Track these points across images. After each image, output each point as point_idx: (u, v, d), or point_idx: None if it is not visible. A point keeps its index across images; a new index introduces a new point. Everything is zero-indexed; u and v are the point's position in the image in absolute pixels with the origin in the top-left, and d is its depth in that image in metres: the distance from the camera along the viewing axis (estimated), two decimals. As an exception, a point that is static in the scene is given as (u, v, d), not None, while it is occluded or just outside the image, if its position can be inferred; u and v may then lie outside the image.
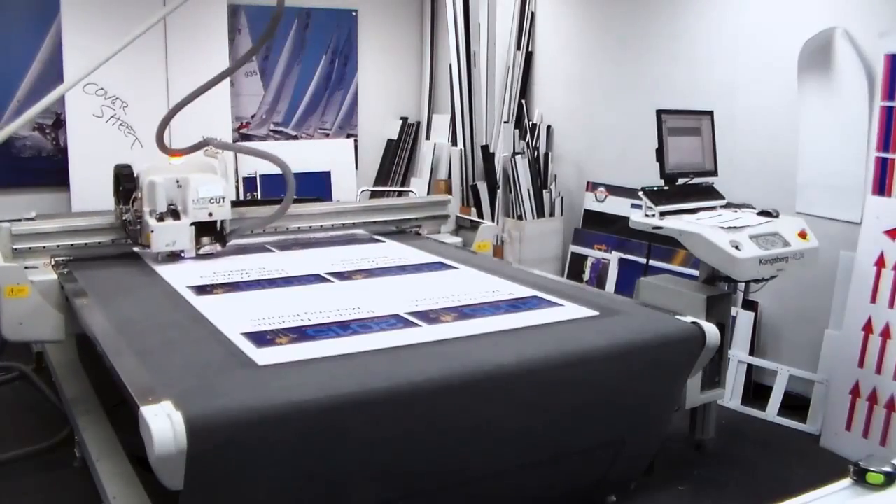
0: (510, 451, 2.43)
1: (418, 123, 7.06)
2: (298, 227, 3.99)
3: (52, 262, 3.30)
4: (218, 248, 3.49)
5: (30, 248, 3.30)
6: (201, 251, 3.46)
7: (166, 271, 3.21)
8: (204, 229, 3.45)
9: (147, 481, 2.47)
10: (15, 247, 3.26)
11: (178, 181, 3.42)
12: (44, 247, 3.34)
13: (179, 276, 3.12)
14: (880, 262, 3.61)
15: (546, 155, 5.65)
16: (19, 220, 4.51)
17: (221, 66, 6.05)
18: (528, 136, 5.73)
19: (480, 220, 4.21)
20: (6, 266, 3.04)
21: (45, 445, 3.47)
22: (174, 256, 3.40)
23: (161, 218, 3.36)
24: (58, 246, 3.37)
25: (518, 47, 5.93)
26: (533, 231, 5.37)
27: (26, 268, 3.13)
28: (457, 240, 4.10)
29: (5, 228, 3.25)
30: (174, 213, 3.40)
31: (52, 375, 3.65)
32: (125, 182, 3.46)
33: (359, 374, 2.11)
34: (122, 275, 3.20)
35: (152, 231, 3.31)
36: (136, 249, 3.49)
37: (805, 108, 4.06)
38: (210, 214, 3.44)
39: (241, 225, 3.64)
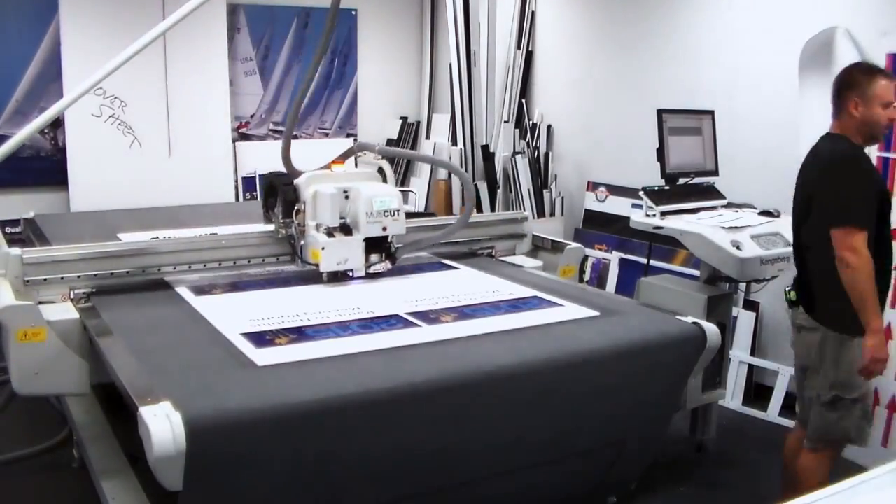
0: (510, 451, 2.43)
1: (418, 123, 7.06)
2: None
3: (71, 296, 2.82)
4: (388, 266, 3.11)
5: (45, 280, 2.79)
6: (371, 269, 3.10)
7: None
8: (373, 245, 3.06)
9: (146, 482, 2.48)
10: (28, 278, 2.75)
11: (346, 192, 3.03)
12: (62, 277, 2.81)
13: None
14: (882, 263, 3.60)
15: (546, 154, 5.65)
16: (17, 220, 4.52)
17: (220, 66, 6.09)
18: (529, 135, 5.73)
19: (563, 241, 3.65)
20: (18, 305, 2.49)
21: (45, 446, 3.47)
22: (341, 276, 3.04)
23: (331, 233, 2.98)
24: (78, 276, 2.84)
25: (518, 46, 5.94)
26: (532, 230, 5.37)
27: (40, 303, 2.68)
28: (536, 263, 3.57)
29: (16, 256, 2.74)
30: (344, 228, 3.01)
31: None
32: (286, 192, 3.09)
33: (358, 374, 2.11)
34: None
35: (323, 248, 2.93)
36: (296, 266, 3.15)
37: (806, 107, 4.06)
38: (384, 229, 3.04)
39: (413, 241, 3.22)
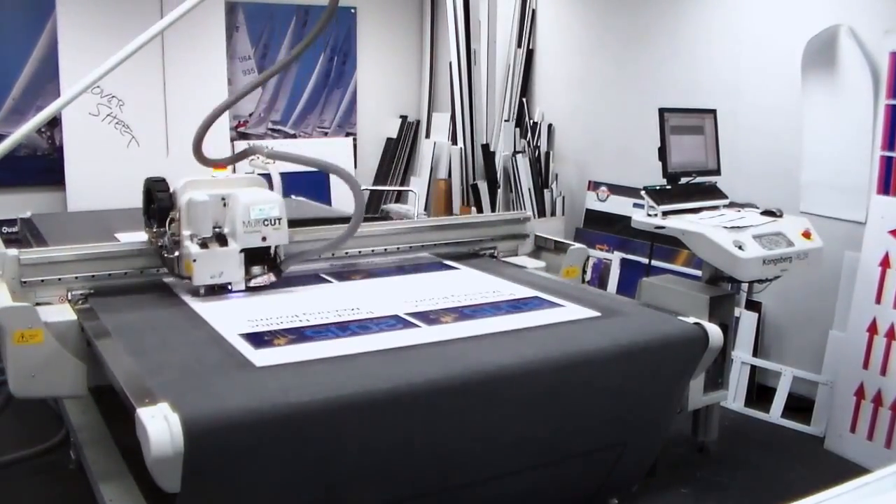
0: (511, 453, 2.43)
1: (418, 122, 7.06)
2: (359, 251, 3.38)
3: (69, 297, 2.79)
4: (272, 278, 2.93)
5: (42, 281, 2.76)
6: (252, 283, 2.89)
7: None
8: (255, 257, 2.88)
9: (143, 483, 2.47)
10: (25, 279, 2.73)
11: (223, 199, 2.86)
12: (59, 278, 2.78)
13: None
14: (885, 263, 3.61)
15: (547, 154, 5.65)
16: (14, 219, 4.52)
17: (219, 64, 6.09)
18: (529, 134, 5.73)
19: (566, 242, 3.60)
20: (15, 307, 2.46)
21: (42, 448, 3.46)
22: (219, 290, 2.85)
23: (204, 244, 2.80)
24: (76, 277, 2.81)
25: (519, 45, 5.94)
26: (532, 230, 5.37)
27: (37, 304, 2.64)
28: (539, 263, 3.52)
29: (12, 257, 2.71)
30: (220, 238, 2.83)
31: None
32: (159, 200, 2.88)
33: (358, 375, 2.11)
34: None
35: (194, 260, 2.75)
36: (168, 280, 2.97)
37: (809, 106, 4.06)
38: (264, 239, 2.85)
39: (299, 251, 3.04)
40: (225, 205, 2.86)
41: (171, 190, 2.89)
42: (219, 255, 2.79)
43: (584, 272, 5.22)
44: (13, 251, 2.73)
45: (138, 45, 2.86)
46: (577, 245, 3.54)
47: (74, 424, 3.08)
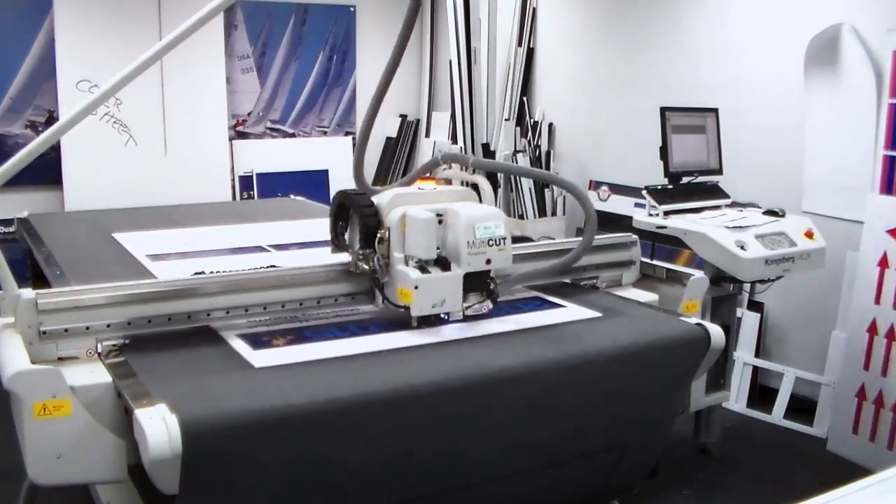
0: (511, 455, 2.43)
1: (418, 121, 7.06)
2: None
3: (99, 350, 2.22)
4: (489, 306, 2.55)
5: (66, 330, 2.18)
6: (469, 311, 2.52)
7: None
8: (472, 282, 2.49)
9: (141, 485, 2.47)
10: (45, 328, 2.15)
11: (438, 215, 2.46)
12: (87, 326, 2.21)
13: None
14: (883, 263, 3.61)
15: (548, 153, 5.65)
16: (10, 219, 4.52)
17: (218, 63, 6.09)
18: (530, 133, 5.73)
19: (682, 270, 3.14)
20: (35, 371, 1.93)
21: None
22: (434, 320, 2.49)
23: (424, 268, 2.41)
24: (108, 325, 2.24)
25: (519, 44, 5.94)
26: (535, 231, 5.37)
27: (59, 359, 2.15)
28: (652, 297, 3.02)
29: (28, 300, 2.14)
30: (440, 262, 2.45)
31: None
32: (366, 216, 2.47)
33: (357, 376, 2.11)
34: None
35: (416, 287, 2.37)
36: (375, 306, 2.58)
37: (812, 105, 4.06)
38: (488, 262, 2.48)
39: (517, 274, 2.68)
40: (440, 222, 2.47)
41: (374, 204, 2.51)
42: (441, 280, 2.42)
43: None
44: (29, 293, 2.16)
45: (144, 59, 2.64)
46: (698, 275, 3.03)
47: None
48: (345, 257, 2.58)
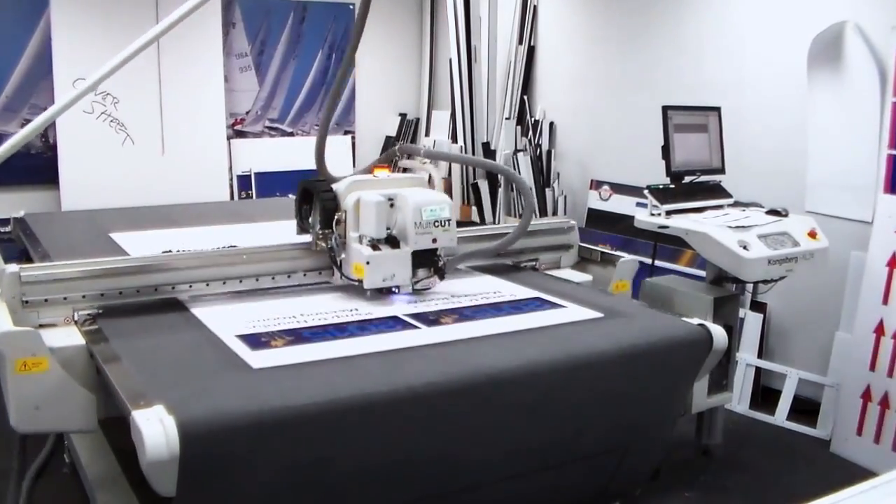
0: (512, 457, 2.43)
1: (417, 120, 7.06)
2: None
3: (75, 318, 2.55)
4: (436, 281, 2.92)
5: (46, 300, 2.52)
6: (418, 285, 2.88)
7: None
8: (420, 259, 2.84)
9: (139, 488, 2.47)
10: (27, 298, 2.49)
11: (390, 199, 2.82)
12: (65, 297, 2.55)
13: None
14: (892, 263, 3.61)
15: (549, 152, 5.65)
16: (7, 219, 4.51)
17: (215, 61, 6.10)
18: (531, 132, 5.73)
19: (615, 253, 3.46)
20: (17, 332, 2.24)
21: (39, 462, 3.42)
22: (385, 292, 2.84)
23: (376, 246, 2.77)
24: (83, 296, 2.58)
25: (520, 42, 5.94)
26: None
27: (41, 326, 2.44)
28: (586, 277, 3.36)
29: (13, 273, 2.48)
30: (390, 240, 2.81)
31: None
32: (324, 200, 2.86)
33: (356, 377, 2.11)
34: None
35: (367, 262, 2.72)
36: (337, 281, 2.92)
37: (815, 104, 4.06)
38: (434, 241, 2.82)
39: (464, 253, 3.06)
40: (392, 205, 2.82)
41: (333, 190, 2.89)
42: (391, 257, 2.77)
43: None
44: (13, 267, 2.52)
45: (140, 45, 2.78)
46: (628, 257, 3.37)
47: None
48: (307, 238, 2.96)
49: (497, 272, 3.24)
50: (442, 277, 2.92)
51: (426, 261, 2.86)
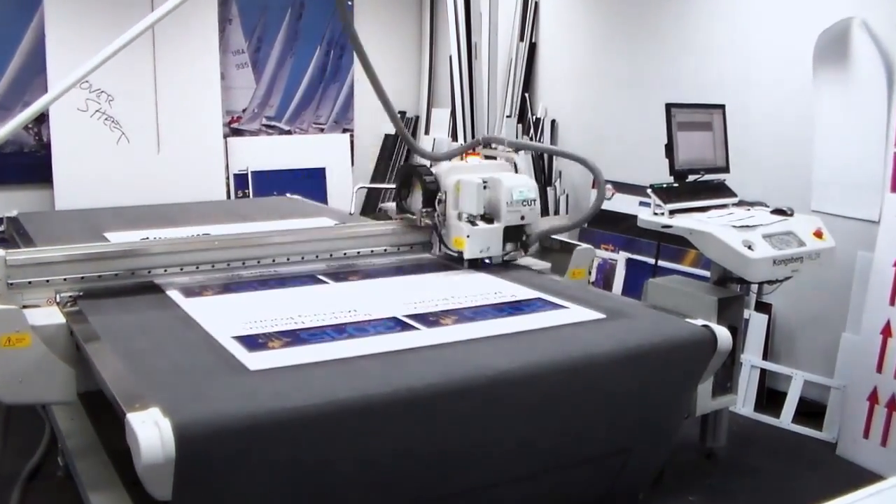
0: (513, 459, 2.43)
1: (417, 118, 7.06)
2: (357, 252, 3.49)
3: (57, 300, 2.81)
4: (522, 254, 3.39)
5: (29, 282, 2.79)
6: (507, 258, 3.36)
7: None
8: (510, 234, 3.33)
9: (134, 491, 2.47)
10: (11, 281, 2.75)
11: (484, 182, 3.27)
12: (47, 280, 2.82)
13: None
14: (899, 263, 3.61)
15: (550, 151, 5.65)
16: (0, 218, 4.52)
17: (211, 58, 6.10)
18: (532, 130, 5.73)
19: (572, 242, 3.67)
20: (1, 310, 2.48)
21: (31, 466, 3.42)
22: (481, 263, 3.30)
23: (473, 222, 3.25)
24: (64, 279, 2.85)
25: (521, 38, 5.94)
26: (537, 230, 5.38)
27: (24, 307, 2.64)
28: (545, 265, 3.56)
29: None
30: (485, 217, 3.29)
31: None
32: (428, 182, 3.35)
33: (355, 379, 2.11)
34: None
35: (468, 236, 3.23)
36: (433, 254, 3.46)
37: (821, 101, 4.06)
38: (522, 218, 3.33)
39: (545, 229, 3.48)
40: (485, 187, 3.26)
41: (434, 174, 3.37)
42: (487, 232, 3.26)
43: (589, 273, 5.22)
44: None
45: (130, 37, 2.82)
46: (584, 245, 3.60)
47: (63, 431, 3.08)
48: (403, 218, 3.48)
49: (461, 260, 3.36)
50: (526, 251, 3.37)
51: (514, 235, 3.33)
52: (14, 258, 2.77)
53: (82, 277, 2.88)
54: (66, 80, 2.79)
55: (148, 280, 3.00)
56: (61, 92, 2.79)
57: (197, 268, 3.10)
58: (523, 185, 3.35)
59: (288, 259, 3.30)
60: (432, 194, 3.33)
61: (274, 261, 3.26)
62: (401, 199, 3.50)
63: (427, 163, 3.79)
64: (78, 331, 2.50)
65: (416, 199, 3.41)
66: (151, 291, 2.93)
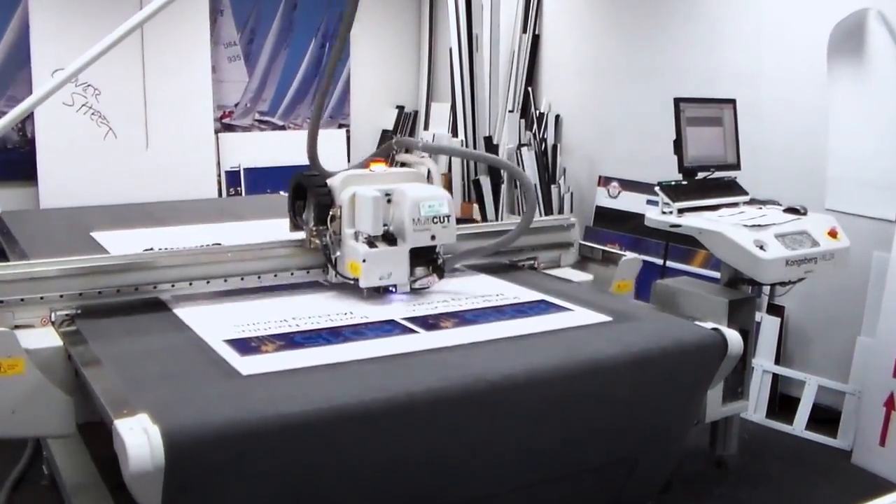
0: (515, 468, 2.44)
1: (416, 113, 7.06)
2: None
3: (52, 319, 2.57)
4: (435, 280, 2.93)
5: (21, 300, 2.54)
6: (416, 284, 2.89)
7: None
8: (418, 257, 2.86)
9: (121, 500, 2.47)
10: (1, 298, 2.51)
11: (387, 194, 2.84)
12: (41, 297, 2.57)
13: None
14: (917, 264, 3.61)
15: (554, 147, 5.65)
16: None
17: (202, 51, 6.10)
18: (535, 126, 5.73)
19: (617, 252, 3.47)
20: None
21: (16, 474, 3.42)
22: (382, 291, 2.86)
23: (372, 243, 2.79)
24: (61, 296, 2.61)
25: (524, 30, 5.94)
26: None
27: (15, 327, 2.45)
28: (587, 277, 3.37)
29: None
30: (387, 237, 2.82)
31: None
32: (319, 195, 2.89)
33: (351, 384, 2.11)
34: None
35: (363, 260, 2.74)
36: (326, 280, 2.97)
37: (836, 96, 4.06)
38: (433, 238, 2.85)
39: (464, 251, 3.09)
40: (389, 201, 2.85)
41: (328, 185, 2.91)
42: (388, 254, 2.80)
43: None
44: None
45: (121, 33, 2.80)
46: (630, 255, 3.38)
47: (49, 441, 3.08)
48: (300, 235, 2.98)
49: (495, 271, 3.26)
50: (441, 276, 2.94)
51: (424, 259, 2.88)
52: (5, 272, 2.54)
53: (81, 294, 2.64)
54: (63, 72, 2.73)
55: (153, 296, 2.78)
56: (58, 85, 2.74)
57: (207, 282, 2.86)
58: (433, 197, 2.86)
59: (308, 271, 3.00)
60: (324, 209, 2.87)
61: (293, 273, 2.99)
62: (294, 212, 3.04)
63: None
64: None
65: (310, 214, 2.95)
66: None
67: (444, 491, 2.36)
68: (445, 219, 2.86)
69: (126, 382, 2.09)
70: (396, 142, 3.27)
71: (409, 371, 2.23)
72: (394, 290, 2.86)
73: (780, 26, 4.36)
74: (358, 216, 2.82)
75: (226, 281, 2.87)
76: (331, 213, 2.86)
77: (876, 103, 3.90)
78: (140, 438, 1.76)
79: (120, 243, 3.53)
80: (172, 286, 2.79)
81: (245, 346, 2.35)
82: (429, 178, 3.20)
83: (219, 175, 6.28)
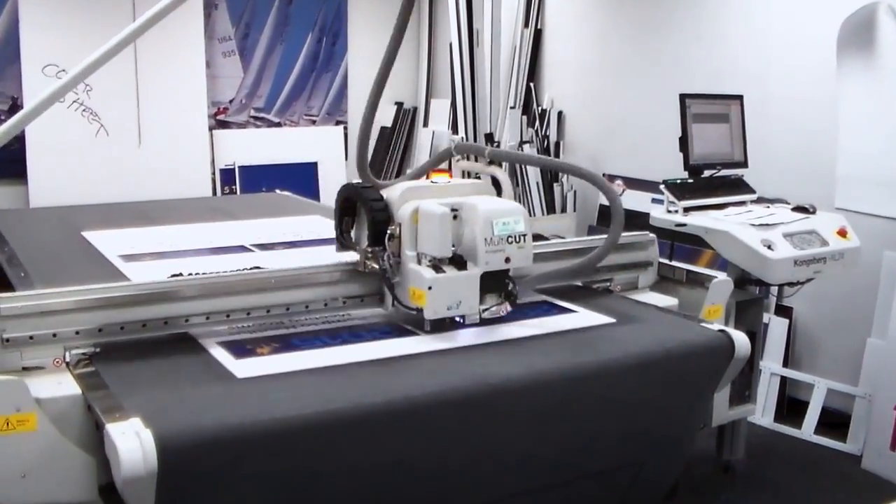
0: (517, 473, 2.43)
1: (415, 109, 7.06)
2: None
3: (67, 359, 2.21)
4: (507, 309, 2.54)
5: (31, 337, 2.18)
6: (486, 314, 2.52)
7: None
8: (489, 282, 2.49)
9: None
10: (8, 335, 2.14)
11: (454, 210, 2.47)
12: (54, 333, 2.21)
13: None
14: (929, 264, 3.61)
15: (557, 144, 5.65)
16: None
17: (196, 46, 6.11)
18: (537, 123, 5.73)
19: (704, 272, 3.16)
20: None
21: None
22: (449, 324, 2.50)
23: (438, 267, 2.42)
24: (77, 332, 2.25)
25: (526, 25, 5.94)
26: (543, 229, 5.38)
27: (24, 369, 2.14)
28: (671, 301, 3.03)
29: None
30: (456, 260, 2.45)
31: None
32: (375, 211, 2.50)
33: (349, 387, 2.11)
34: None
35: (430, 288, 2.38)
36: (385, 309, 2.62)
37: (845, 92, 4.06)
38: (507, 261, 2.47)
39: (536, 274, 2.73)
40: (455, 217, 2.48)
41: (384, 199, 2.53)
42: (458, 280, 2.42)
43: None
44: None
45: (117, 41, 2.74)
46: (721, 277, 3.04)
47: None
48: (351, 256, 2.60)
49: (564, 294, 2.93)
50: (514, 304, 2.57)
51: (495, 284, 2.52)
52: (11, 306, 2.16)
53: (100, 329, 2.28)
54: (71, 73, 2.64)
55: (183, 331, 2.42)
56: (61, 90, 2.60)
57: (248, 314, 2.50)
58: (507, 212, 2.50)
59: (363, 300, 2.65)
60: (380, 227, 2.48)
61: (345, 302, 2.62)
62: (342, 230, 2.65)
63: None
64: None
65: (363, 233, 2.57)
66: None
67: (445, 497, 2.36)
68: (522, 238, 2.50)
69: (118, 387, 2.06)
70: (456, 147, 2.91)
71: (408, 374, 2.23)
72: (462, 320, 2.51)
73: (789, 20, 4.36)
74: (421, 235, 2.45)
75: (269, 312, 2.52)
76: (389, 231, 2.48)
77: (887, 99, 3.90)
78: (132, 443, 1.76)
79: (112, 243, 3.54)
80: (207, 318, 2.44)
81: (240, 348, 2.35)
82: (498, 191, 2.86)
83: (213, 173, 6.28)
